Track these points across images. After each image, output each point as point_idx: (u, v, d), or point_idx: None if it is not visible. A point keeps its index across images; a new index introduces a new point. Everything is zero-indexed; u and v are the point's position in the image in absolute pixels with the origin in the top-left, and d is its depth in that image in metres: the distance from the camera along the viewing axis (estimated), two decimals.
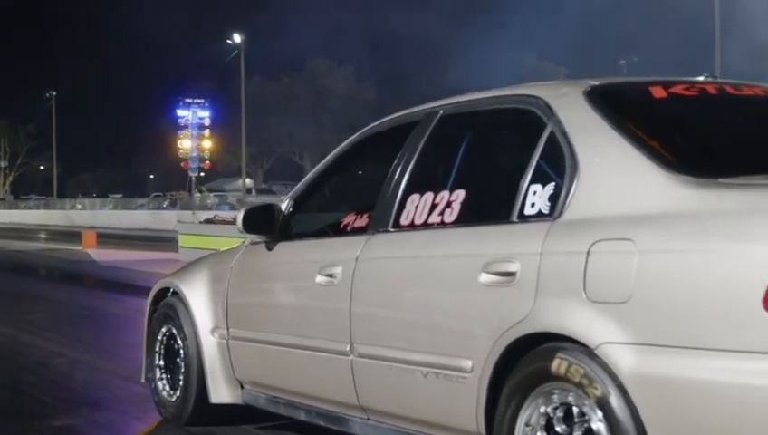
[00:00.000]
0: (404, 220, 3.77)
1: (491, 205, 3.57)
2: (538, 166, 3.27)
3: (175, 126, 59.49)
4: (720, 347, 2.49)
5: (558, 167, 3.19)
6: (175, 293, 5.09)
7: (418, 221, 3.70)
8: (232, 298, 4.70)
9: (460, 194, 3.58)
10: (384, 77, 62.75)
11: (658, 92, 3.45)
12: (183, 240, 19.58)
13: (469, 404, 3.20)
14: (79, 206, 57.40)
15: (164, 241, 25.53)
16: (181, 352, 4.92)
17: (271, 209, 4.57)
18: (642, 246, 2.73)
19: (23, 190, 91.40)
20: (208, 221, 24.32)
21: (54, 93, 73.49)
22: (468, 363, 3.22)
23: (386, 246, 3.82)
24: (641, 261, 2.71)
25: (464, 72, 58.01)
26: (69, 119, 75.08)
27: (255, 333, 4.53)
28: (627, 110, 3.30)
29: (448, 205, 3.59)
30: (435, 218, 3.62)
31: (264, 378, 4.59)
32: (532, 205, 3.21)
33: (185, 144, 55.44)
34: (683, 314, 2.60)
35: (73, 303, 12.21)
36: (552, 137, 3.28)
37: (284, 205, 4.56)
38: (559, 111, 3.31)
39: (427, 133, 3.91)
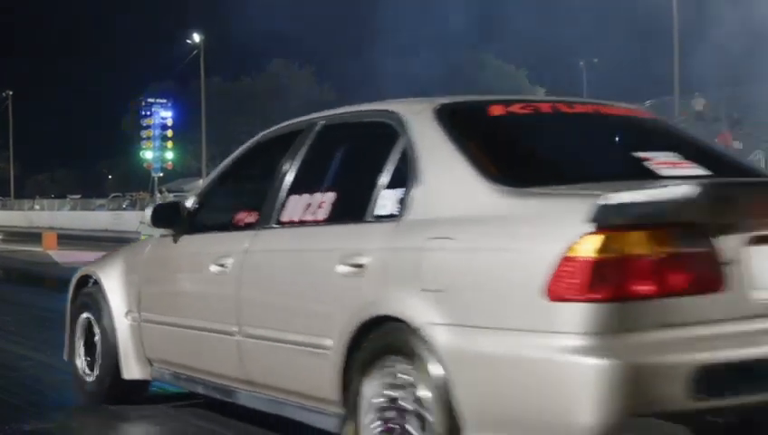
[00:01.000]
0: (285, 218, 4.35)
1: (352, 206, 4.04)
2: (390, 173, 3.84)
3: (136, 126, 58.93)
4: (513, 327, 3.11)
5: (405, 174, 3.73)
6: (95, 280, 5.61)
7: (296, 219, 4.28)
8: (142, 285, 5.29)
9: (329, 196, 4.16)
10: (344, 78, 62.64)
11: (496, 111, 4.04)
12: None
13: (331, 377, 3.74)
14: (37, 207, 56.63)
15: (126, 242, 25.34)
16: (98, 333, 5.48)
17: (177, 206, 5.24)
18: (460, 243, 3.35)
19: None
20: None
21: (11, 93, 72.31)
22: (329, 342, 3.76)
23: (268, 241, 4.40)
24: (458, 256, 3.35)
25: (425, 73, 58.31)
26: (25, 119, 73.95)
27: (162, 317, 5.10)
28: (465, 126, 3.83)
29: (319, 205, 4.17)
30: (308, 217, 4.21)
31: (169, 356, 5.16)
32: (383, 207, 3.78)
33: (148, 145, 54.75)
34: (487, 300, 3.22)
35: (37, 305, 12.02)
36: (403, 148, 3.83)
37: (190, 202, 5.14)
38: (410, 125, 3.87)
39: (307, 142, 4.49)
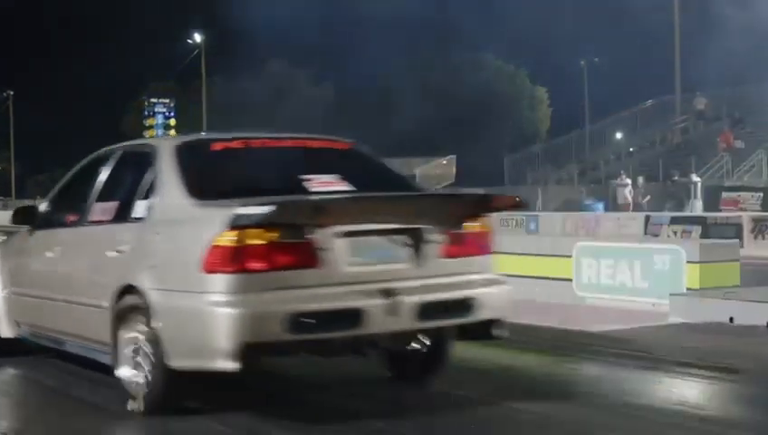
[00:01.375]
0: (91, 218, 6.47)
1: (124, 211, 6.09)
2: (146, 188, 5.92)
3: (138, 126, 58.57)
4: (189, 289, 5.17)
5: (152, 190, 5.86)
6: None
7: (96, 219, 6.41)
8: (11, 267, 7.44)
9: (114, 204, 6.29)
10: (344, 77, 62.22)
11: (216, 146, 6.24)
12: None
13: (106, 327, 5.76)
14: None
15: None
16: None
17: (33, 209, 7.63)
18: (164, 236, 5.57)
19: None
20: None
21: (12, 93, 72.06)
22: (105, 303, 5.80)
23: (78, 234, 6.63)
24: (163, 244, 5.56)
25: (424, 72, 58.05)
26: (25, 118, 73.65)
27: (21, 290, 7.19)
28: (190, 159, 5.89)
29: (109, 210, 6.31)
30: (102, 218, 6.34)
31: (27, 318, 7.18)
32: (139, 212, 5.89)
33: None
34: (177, 272, 5.35)
35: None
36: (154, 172, 5.90)
37: (43, 206, 7.37)
38: (159, 156, 6.01)
39: (108, 164, 6.64)
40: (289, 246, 5.05)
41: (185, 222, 5.43)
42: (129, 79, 64.83)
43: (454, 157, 43.26)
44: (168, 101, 53.47)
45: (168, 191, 5.65)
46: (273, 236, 4.98)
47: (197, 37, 54.34)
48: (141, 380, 5.43)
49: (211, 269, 4.99)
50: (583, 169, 42.10)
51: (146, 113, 53.33)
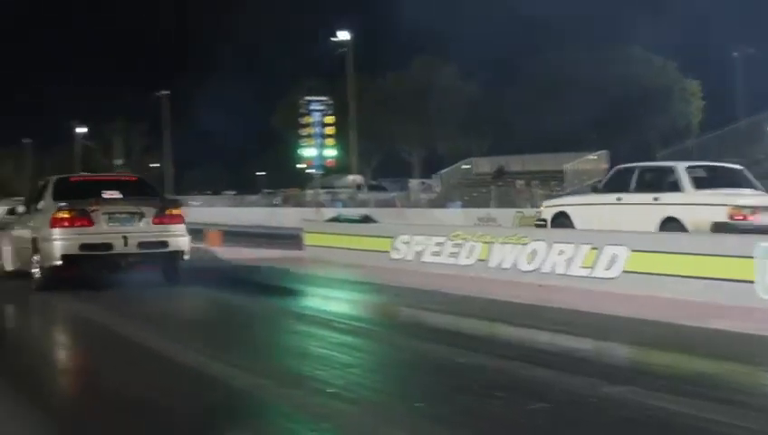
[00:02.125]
0: None
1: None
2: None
3: (289, 124, 59.40)
4: (47, 235, 13.10)
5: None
6: None
7: None
8: None
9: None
10: (490, 73, 61.86)
11: (74, 179, 15.50)
12: (308, 238, 19.70)
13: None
14: (195, 203, 58.44)
15: (284, 239, 25.75)
16: None
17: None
18: (41, 215, 13.82)
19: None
20: (333, 220, 24.37)
21: (167, 92, 75.14)
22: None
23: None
24: (41, 218, 13.70)
25: (571, 67, 56.95)
26: (181, 117, 76.78)
27: None
28: (59, 186, 14.08)
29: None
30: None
31: None
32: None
33: (308, 142, 54.36)
34: (44, 228, 13.26)
35: (216, 303, 12.35)
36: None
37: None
38: (51, 183, 14.42)
39: (49, 186, 14.52)
40: (80, 217, 12.84)
41: (49, 208, 13.15)
42: (273, 77, 66.33)
43: (605, 152, 42.19)
44: (325, 98, 53.82)
45: (43, 201, 14.04)
46: (74, 212, 12.82)
47: (343, 35, 54.97)
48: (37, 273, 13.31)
49: (52, 226, 12.73)
50: (744, 164, 40.20)
51: (302, 111, 53.77)
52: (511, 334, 9.51)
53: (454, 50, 61.39)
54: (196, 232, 30.96)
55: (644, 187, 14.94)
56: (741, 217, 13.13)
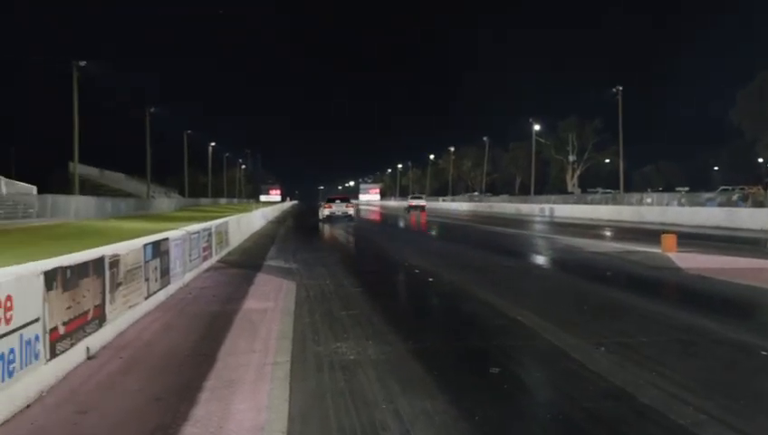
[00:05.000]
0: None
1: None
2: None
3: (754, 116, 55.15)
4: None
5: None
6: None
7: None
8: None
9: None
10: None
11: (331, 197, 56.42)
12: None
13: None
14: (648, 200, 56.44)
15: (746, 244, 23.35)
16: None
17: None
18: None
19: (588, 184, 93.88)
20: None
21: (620, 88, 73.70)
22: None
23: None
24: None
25: None
26: (634, 112, 74.91)
27: None
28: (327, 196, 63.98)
29: None
30: None
31: None
32: None
33: None
34: None
35: (675, 323, 10.84)
36: None
37: None
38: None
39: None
40: (328, 204, 52.27)
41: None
42: (733, 66, 61.75)
43: None
44: None
45: None
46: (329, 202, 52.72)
47: None
48: None
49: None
50: None
51: None
52: None
53: None
54: (649, 234, 29.75)
55: None
56: None
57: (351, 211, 50.45)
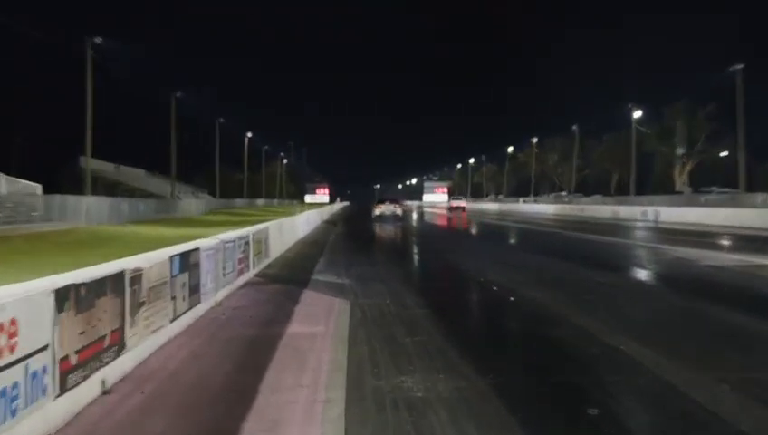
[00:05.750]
0: None
1: None
2: None
3: None
4: None
5: None
6: None
7: None
8: None
9: None
10: None
11: (383, 197, 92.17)
12: None
13: None
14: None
15: None
16: None
17: None
18: None
19: (703, 182, 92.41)
20: None
21: (741, 67, 72.37)
22: None
23: None
24: None
25: None
26: (756, 96, 73.56)
27: None
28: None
29: None
30: None
31: None
32: None
33: None
34: None
35: None
36: None
37: None
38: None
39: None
40: (379, 204, 73.84)
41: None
42: None
43: None
44: None
45: None
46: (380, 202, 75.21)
47: None
48: None
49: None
50: None
51: None
52: None
53: None
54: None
55: None
56: None
57: (399, 211, 71.00)
